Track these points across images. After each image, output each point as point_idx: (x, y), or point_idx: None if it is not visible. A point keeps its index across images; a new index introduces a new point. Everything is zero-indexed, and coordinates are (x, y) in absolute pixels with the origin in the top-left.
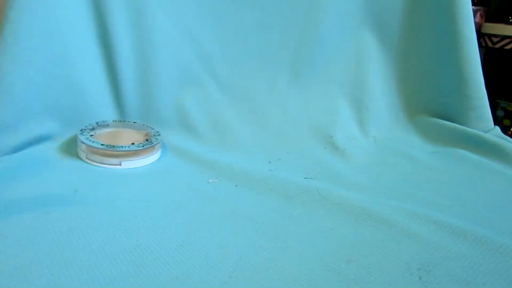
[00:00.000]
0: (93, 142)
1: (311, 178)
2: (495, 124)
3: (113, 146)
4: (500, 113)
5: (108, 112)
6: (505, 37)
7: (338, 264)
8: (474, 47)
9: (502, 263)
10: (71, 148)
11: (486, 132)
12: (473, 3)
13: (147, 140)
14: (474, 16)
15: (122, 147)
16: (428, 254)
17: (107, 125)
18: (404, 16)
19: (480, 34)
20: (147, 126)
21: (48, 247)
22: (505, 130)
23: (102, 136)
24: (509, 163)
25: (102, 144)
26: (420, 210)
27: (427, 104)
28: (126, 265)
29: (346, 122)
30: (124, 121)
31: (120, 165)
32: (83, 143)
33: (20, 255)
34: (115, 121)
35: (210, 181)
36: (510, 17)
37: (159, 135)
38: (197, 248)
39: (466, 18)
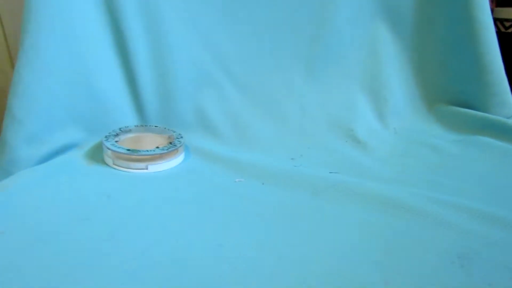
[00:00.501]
0: (119, 147)
1: (336, 173)
2: None
3: (139, 151)
4: None
5: (129, 118)
6: None
7: (378, 256)
8: (491, 32)
9: None
10: (96, 154)
11: (508, 118)
12: None
13: (170, 143)
14: None
15: (147, 151)
16: (466, 242)
17: (129, 131)
18: (417, 5)
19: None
20: (168, 129)
21: (92, 253)
22: None
23: (126, 141)
24: None
25: (128, 149)
26: (452, 199)
27: (445, 93)
28: (171, 268)
29: (365, 115)
30: (146, 125)
31: (147, 168)
32: (109, 149)
33: (65, 262)
34: (137, 126)
35: (236, 180)
36: None
37: (181, 137)
38: (236, 247)
39: (481, 3)
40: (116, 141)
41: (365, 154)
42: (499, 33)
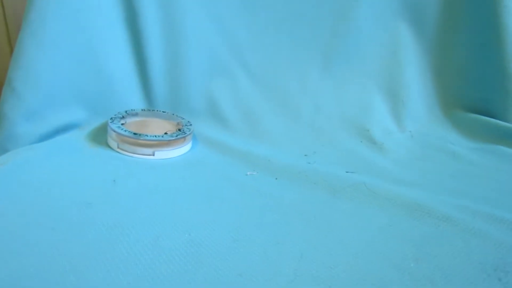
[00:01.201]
0: (125, 131)
1: (353, 172)
2: None
3: (146, 135)
4: None
5: (135, 100)
6: None
7: (407, 263)
8: None
9: None
10: (99, 136)
11: None
12: None
13: (179, 130)
14: None
15: (156, 136)
16: (501, 254)
17: (136, 114)
18: (442, 7)
19: None
20: (177, 115)
21: (99, 241)
22: None
23: (132, 125)
24: None
25: (134, 133)
26: (480, 207)
27: (464, 99)
28: (183, 261)
29: (381, 116)
30: (153, 110)
31: (154, 155)
32: (114, 131)
33: (72, 249)
34: (144, 110)
35: (248, 173)
36: None
37: (190, 125)
38: (253, 243)
39: (510, 10)
40: (122, 124)
41: (381, 156)
42: None
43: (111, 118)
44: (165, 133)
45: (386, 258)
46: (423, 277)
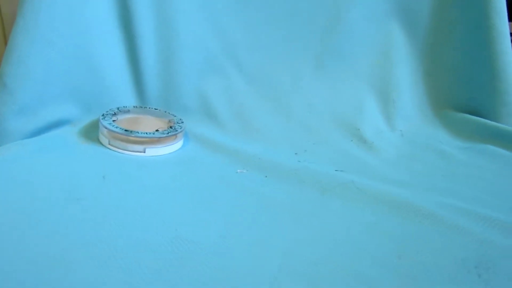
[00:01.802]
0: (116, 127)
1: (342, 171)
2: None
3: (137, 132)
4: None
5: (127, 97)
6: None
7: (390, 260)
8: (507, 42)
9: None
10: (91, 133)
11: None
12: None
13: (170, 127)
14: None
15: (147, 133)
16: (483, 251)
17: (128, 111)
18: (433, 9)
19: None
20: (169, 113)
21: (86, 236)
22: None
23: (123, 121)
24: None
25: (126, 130)
26: (465, 205)
27: (455, 99)
28: (169, 257)
29: (372, 115)
30: (145, 107)
31: (144, 152)
32: (106, 128)
33: (59, 243)
34: (136, 107)
35: (238, 171)
36: None
37: (182, 122)
38: (240, 240)
39: (500, 12)
40: (113, 121)
41: (371, 155)
42: None
43: (103, 115)
44: (156, 130)
45: (370, 255)
46: (405, 272)
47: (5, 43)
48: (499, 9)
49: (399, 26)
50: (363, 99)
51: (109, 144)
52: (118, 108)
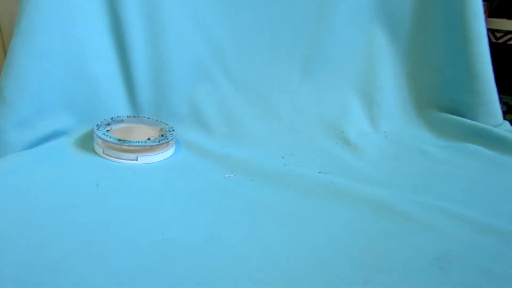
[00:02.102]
0: (110, 137)
1: (326, 173)
2: None
3: (130, 141)
4: (502, 107)
5: (121, 108)
6: (508, 32)
7: (363, 256)
8: (484, 43)
9: None
10: (86, 143)
11: (495, 126)
12: None
13: (162, 135)
14: None
15: (138, 142)
16: (448, 246)
17: (121, 121)
18: (414, 12)
19: None
20: (160, 121)
21: (80, 240)
22: None
23: (117, 131)
24: None
25: (119, 140)
26: (438, 203)
27: (436, 100)
28: (156, 259)
29: (357, 117)
30: (138, 116)
31: (137, 160)
32: (100, 138)
33: (55, 247)
34: (129, 116)
35: (226, 176)
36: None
37: (173, 130)
38: (223, 242)
39: (476, 14)
40: (107, 131)
41: (355, 156)
42: (490, 43)
43: (97, 125)
44: (148, 139)
45: (344, 252)
46: (373, 267)
47: (4, 52)
48: (476, 11)
49: (381, 30)
50: (348, 102)
51: (103, 153)
52: (112, 118)
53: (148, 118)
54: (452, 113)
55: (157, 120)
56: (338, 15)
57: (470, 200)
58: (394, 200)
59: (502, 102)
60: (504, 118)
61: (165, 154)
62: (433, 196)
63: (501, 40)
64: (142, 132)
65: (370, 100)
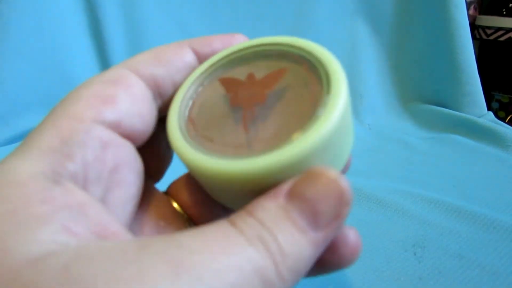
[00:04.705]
0: None
1: None
2: None
3: None
4: (495, 105)
5: None
6: (499, 28)
7: None
8: (466, 34)
9: (496, 238)
10: None
11: (479, 117)
12: None
13: None
14: (468, 9)
15: None
16: (423, 231)
17: None
18: (396, 4)
19: (474, 26)
20: None
21: None
22: None
23: None
24: (502, 146)
25: None
26: (414, 190)
27: (420, 91)
28: None
29: None
30: None
31: None
32: None
33: None
34: None
35: None
36: (503, 9)
37: None
38: None
39: (458, 5)
40: None
41: None
42: (481, 40)
43: None
44: None
45: None
46: None
47: None
48: (457, 2)
49: (364, 23)
50: None
51: None
52: None
53: None
54: (436, 104)
55: None
56: (318, 9)
57: (448, 187)
58: (370, 188)
59: (494, 99)
60: (497, 115)
61: None
62: (411, 183)
63: (492, 37)
64: None
65: (353, 93)
